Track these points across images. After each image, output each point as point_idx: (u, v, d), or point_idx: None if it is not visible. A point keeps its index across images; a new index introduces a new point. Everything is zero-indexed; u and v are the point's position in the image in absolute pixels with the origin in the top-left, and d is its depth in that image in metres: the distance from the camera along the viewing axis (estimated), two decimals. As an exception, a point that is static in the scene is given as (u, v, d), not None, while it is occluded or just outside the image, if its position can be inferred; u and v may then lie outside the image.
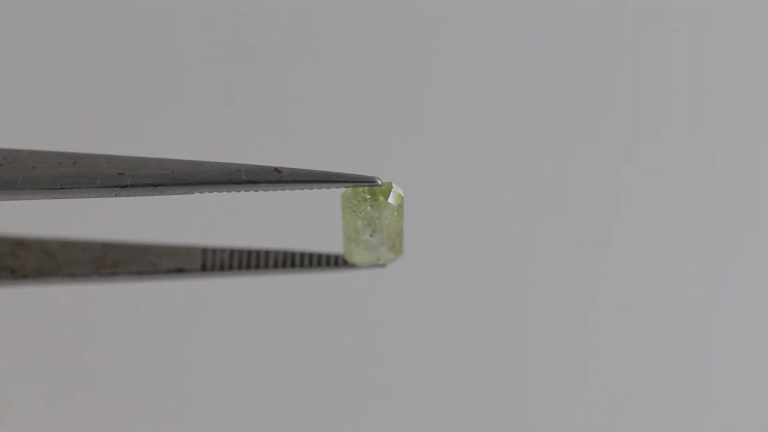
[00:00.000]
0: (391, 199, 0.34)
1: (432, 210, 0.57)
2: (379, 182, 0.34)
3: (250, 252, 0.37)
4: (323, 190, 0.34)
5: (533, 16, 0.59)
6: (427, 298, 0.57)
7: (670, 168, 0.58)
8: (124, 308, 0.56)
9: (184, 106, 0.58)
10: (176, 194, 0.34)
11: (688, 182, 0.58)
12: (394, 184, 0.34)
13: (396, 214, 0.34)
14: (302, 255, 0.37)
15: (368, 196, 0.34)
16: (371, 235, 0.34)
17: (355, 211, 0.34)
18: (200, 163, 0.34)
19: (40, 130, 0.57)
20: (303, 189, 0.34)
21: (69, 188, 0.34)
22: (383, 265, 0.36)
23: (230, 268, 0.37)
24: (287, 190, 0.34)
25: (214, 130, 0.58)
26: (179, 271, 0.37)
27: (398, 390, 0.57)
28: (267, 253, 0.37)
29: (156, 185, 0.34)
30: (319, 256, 0.37)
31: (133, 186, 0.34)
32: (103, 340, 0.56)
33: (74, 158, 0.35)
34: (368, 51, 0.59)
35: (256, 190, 0.34)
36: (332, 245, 0.38)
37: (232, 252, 0.37)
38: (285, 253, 0.37)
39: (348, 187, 0.34)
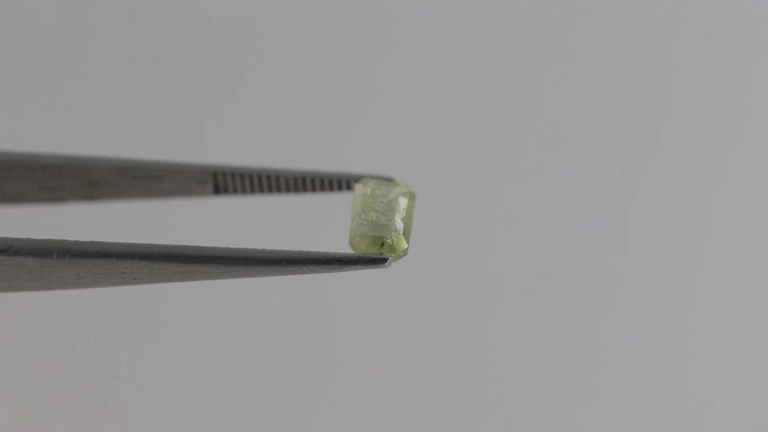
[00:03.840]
0: (404, 193, 0.35)
1: (443, 215, 0.56)
2: (395, 180, 0.36)
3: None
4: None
5: (552, 21, 0.60)
6: (438, 298, 0.58)
7: (682, 169, 0.58)
8: (127, 310, 0.55)
9: (190, 108, 0.59)
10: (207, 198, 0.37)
11: (700, 186, 0.59)
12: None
13: (407, 201, 0.34)
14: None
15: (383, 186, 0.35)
16: (382, 213, 0.34)
17: (368, 186, 0.34)
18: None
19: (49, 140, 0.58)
20: (324, 192, 0.36)
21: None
22: (385, 260, 0.34)
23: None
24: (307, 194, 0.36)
25: (224, 132, 0.59)
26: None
27: (407, 389, 0.56)
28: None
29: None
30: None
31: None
32: (106, 341, 0.55)
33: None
34: (376, 55, 0.60)
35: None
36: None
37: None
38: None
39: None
